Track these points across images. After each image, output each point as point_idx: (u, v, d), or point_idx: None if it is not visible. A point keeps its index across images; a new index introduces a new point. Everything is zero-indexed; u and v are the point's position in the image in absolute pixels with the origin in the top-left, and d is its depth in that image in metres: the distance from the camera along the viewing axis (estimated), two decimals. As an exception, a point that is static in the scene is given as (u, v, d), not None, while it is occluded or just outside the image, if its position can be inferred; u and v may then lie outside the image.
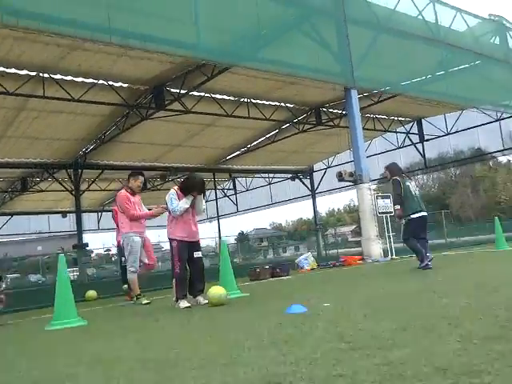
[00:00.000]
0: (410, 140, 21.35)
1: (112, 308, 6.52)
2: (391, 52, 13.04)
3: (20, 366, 2.51)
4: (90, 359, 2.46)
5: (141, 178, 6.71)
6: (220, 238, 24.03)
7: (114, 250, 37.14)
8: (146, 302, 6.21)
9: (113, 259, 37.16)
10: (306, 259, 10.73)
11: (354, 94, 11.91)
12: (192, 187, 5.51)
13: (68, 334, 4.02)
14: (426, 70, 14.69)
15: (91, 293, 8.36)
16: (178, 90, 12.95)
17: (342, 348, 1.94)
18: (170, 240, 5.43)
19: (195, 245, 5.47)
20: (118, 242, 7.46)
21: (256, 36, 10.61)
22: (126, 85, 12.62)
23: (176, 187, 5.66)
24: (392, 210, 9.82)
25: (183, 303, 5.11)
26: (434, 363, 1.51)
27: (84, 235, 19.77)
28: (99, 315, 5.71)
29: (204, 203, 5.72)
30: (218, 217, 24.95)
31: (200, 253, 5.49)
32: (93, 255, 34.78)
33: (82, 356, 2.60)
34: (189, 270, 5.40)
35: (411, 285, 4.92)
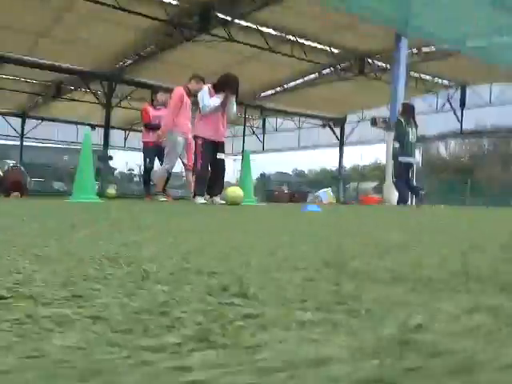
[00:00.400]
0: (451, 105, 20.48)
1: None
2: (454, 8, 12.18)
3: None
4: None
5: (202, 85, 6.65)
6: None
7: (136, 170, 37.60)
8: (163, 199, 6.32)
9: (135, 179, 37.67)
10: (325, 193, 10.70)
11: (404, 43, 11.34)
12: (225, 84, 5.41)
13: (90, 205, 4.06)
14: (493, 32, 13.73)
15: (111, 191, 8.52)
16: (225, 16, 12.49)
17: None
18: (196, 137, 5.42)
19: (220, 146, 5.46)
20: (145, 143, 7.61)
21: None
22: (174, 1, 12.15)
23: (210, 84, 5.55)
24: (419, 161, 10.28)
25: (200, 199, 5.19)
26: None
27: (110, 151, 19.98)
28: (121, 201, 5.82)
29: (235, 107, 5.61)
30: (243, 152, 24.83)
31: (223, 155, 5.49)
32: (116, 172, 35.33)
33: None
34: (210, 169, 5.42)
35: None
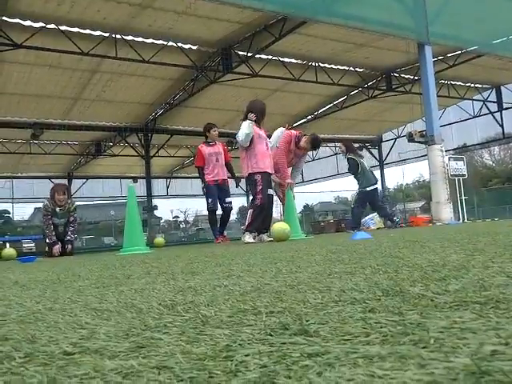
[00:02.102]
0: (488, 108, 19.90)
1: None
2: (472, 7, 12.06)
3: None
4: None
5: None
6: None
7: (181, 217, 38.16)
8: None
9: (181, 226, 38.25)
10: (372, 219, 10.50)
11: (428, 51, 11.24)
12: (250, 109, 5.44)
13: (141, 256, 4.13)
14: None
15: (159, 239, 8.62)
16: (245, 53, 12.83)
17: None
18: (252, 175, 5.35)
19: (269, 179, 5.44)
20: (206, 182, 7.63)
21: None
22: (195, 47, 12.67)
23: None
24: (465, 173, 10.51)
25: (249, 237, 5.09)
26: None
27: (153, 200, 20.50)
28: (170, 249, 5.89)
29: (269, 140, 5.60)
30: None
31: (272, 190, 5.46)
32: (162, 222, 36.05)
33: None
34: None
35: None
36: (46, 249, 8.23)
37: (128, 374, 0.54)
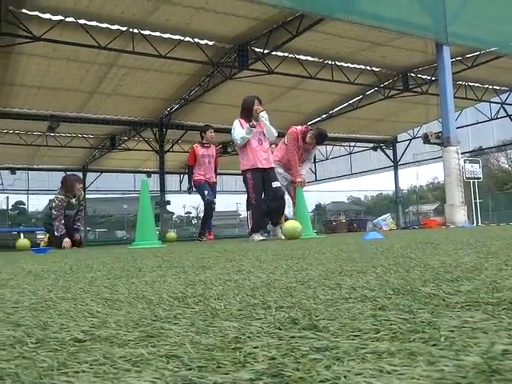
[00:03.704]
0: (505, 111, 19.62)
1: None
2: (491, 8, 11.89)
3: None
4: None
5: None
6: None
7: (193, 213, 38.32)
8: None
9: (193, 222, 38.38)
10: (385, 220, 10.43)
11: (447, 51, 11.11)
12: (245, 109, 5.40)
13: (152, 250, 4.15)
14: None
15: (171, 234, 8.66)
16: (261, 50, 12.81)
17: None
18: (244, 173, 5.36)
19: (271, 173, 5.32)
20: (196, 181, 7.93)
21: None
22: (211, 42, 12.66)
23: (238, 117, 5.57)
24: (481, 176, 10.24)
25: (257, 236, 5.08)
26: None
27: (166, 195, 20.58)
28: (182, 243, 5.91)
29: (271, 128, 5.54)
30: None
31: (278, 182, 5.36)
32: (174, 217, 36.20)
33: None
34: (268, 200, 5.33)
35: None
36: (47, 239, 8.18)
37: (137, 361, 0.55)
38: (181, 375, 0.49)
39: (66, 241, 7.82)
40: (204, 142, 8.13)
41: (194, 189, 7.98)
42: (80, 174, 24.56)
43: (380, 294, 0.94)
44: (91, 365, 0.54)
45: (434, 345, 0.55)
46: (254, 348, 0.57)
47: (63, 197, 7.92)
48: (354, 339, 0.59)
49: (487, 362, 0.46)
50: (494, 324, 0.63)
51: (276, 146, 7.06)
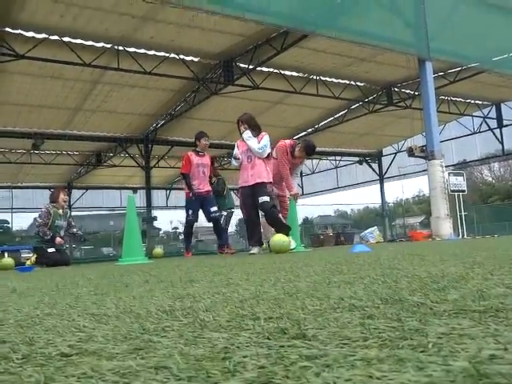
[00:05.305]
0: (488, 125, 19.97)
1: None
2: (473, 25, 12.18)
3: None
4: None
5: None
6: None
7: (180, 228, 38.12)
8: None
9: (180, 237, 38.16)
10: (372, 233, 10.49)
11: (429, 67, 11.33)
12: (247, 121, 5.55)
13: (139, 266, 4.13)
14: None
15: (158, 250, 8.58)
16: (246, 65, 12.93)
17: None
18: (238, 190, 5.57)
19: (257, 189, 5.36)
20: (187, 194, 7.65)
21: (330, 4, 10.29)
22: (196, 59, 12.76)
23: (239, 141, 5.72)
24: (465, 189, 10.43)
25: (253, 250, 5.20)
26: None
27: (153, 211, 20.48)
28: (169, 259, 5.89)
29: (254, 143, 5.60)
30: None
31: (265, 197, 5.37)
32: (161, 233, 35.96)
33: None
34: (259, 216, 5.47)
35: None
36: (35, 259, 7.97)
37: (125, 373, 0.54)
38: (170, 386, 0.48)
39: (59, 240, 7.78)
40: (198, 150, 7.73)
41: (194, 197, 7.50)
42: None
43: (368, 303, 0.94)
44: (79, 378, 0.54)
45: (423, 351, 0.55)
46: (244, 357, 0.57)
47: (50, 206, 7.92)
48: (343, 347, 0.59)
49: (475, 367, 0.46)
50: (480, 330, 0.64)
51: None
